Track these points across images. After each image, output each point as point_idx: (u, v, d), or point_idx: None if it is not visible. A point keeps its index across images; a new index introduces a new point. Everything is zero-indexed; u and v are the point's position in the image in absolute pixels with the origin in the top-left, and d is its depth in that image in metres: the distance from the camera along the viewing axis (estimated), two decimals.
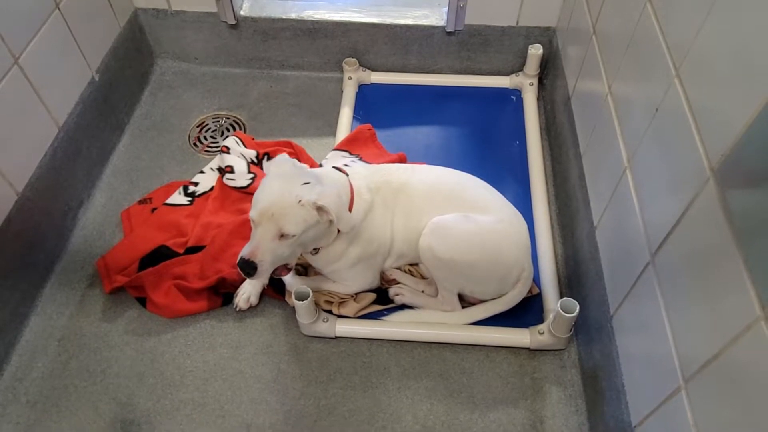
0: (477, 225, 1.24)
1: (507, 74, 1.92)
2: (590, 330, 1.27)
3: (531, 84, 1.86)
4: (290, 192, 1.13)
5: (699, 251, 0.84)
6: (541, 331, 1.31)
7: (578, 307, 1.23)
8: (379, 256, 1.33)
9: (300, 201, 1.12)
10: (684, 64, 0.92)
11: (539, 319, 1.36)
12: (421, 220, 1.27)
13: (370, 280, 1.37)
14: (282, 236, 1.13)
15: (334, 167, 1.30)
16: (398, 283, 1.40)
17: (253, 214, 1.14)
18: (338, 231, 1.24)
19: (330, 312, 1.36)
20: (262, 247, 1.13)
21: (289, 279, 1.38)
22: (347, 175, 1.27)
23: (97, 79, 1.66)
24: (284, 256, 1.16)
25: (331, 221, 1.17)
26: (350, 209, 1.22)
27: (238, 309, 1.38)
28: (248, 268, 1.13)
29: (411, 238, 1.29)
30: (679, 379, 0.86)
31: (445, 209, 1.26)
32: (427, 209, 1.27)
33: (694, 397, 0.82)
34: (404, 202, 1.29)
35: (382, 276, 1.41)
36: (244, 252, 1.14)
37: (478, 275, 1.28)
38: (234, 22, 1.86)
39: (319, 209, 1.14)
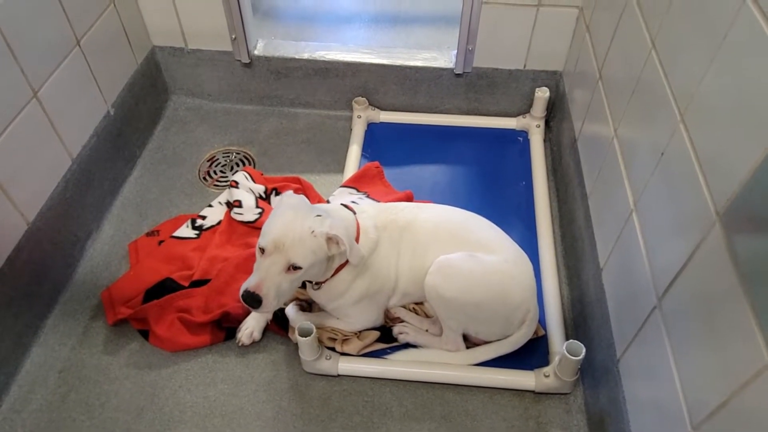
0: (482, 265, 1.24)
1: (514, 116, 1.95)
2: (596, 374, 1.25)
3: (538, 126, 1.89)
4: (302, 223, 1.13)
5: (705, 295, 0.83)
6: (547, 374, 1.29)
7: (584, 350, 1.21)
8: (383, 293, 1.32)
9: (313, 232, 1.12)
10: (689, 109, 0.93)
11: (544, 361, 1.34)
12: (426, 259, 1.27)
13: (374, 317, 1.36)
14: (289, 269, 1.13)
15: (341, 204, 1.31)
16: (402, 321, 1.39)
17: (263, 242, 1.13)
18: (340, 267, 1.24)
19: (333, 349, 1.35)
20: (268, 280, 1.12)
21: (292, 315, 1.38)
22: (354, 212, 1.28)
23: (112, 113, 1.70)
24: (287, 290, 1.16)
25: (330, 258, 1.19)
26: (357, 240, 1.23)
27: (240, 344, 1.37)
28: (252, 301, 1.12)
29: (416, 277, 1.29)
30: (688, 426, 0.84)
31: (450, 248, 1.26)
32: (433, 248, 1.27)
33: None
34: (410, 240, 1.29)
35: (387, 314, 1.40)
36: (249, 284, 1.13)
37: (482, 315, 1.27)
38: (248, 60, 1.91)
39: (330, 240, 1.15)
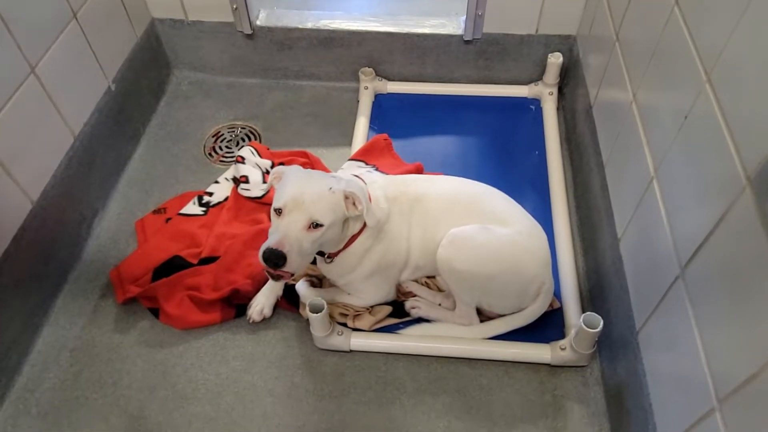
0: (496, 237, 1.21)
1: (526, 83, 1.89)
2: (614, 346, 1.23)
3: (551, 93, 1.83)
4: (320, 182, 1.12)
5: (734, 264, 0.79)
6: (563, 347, 1.27)
7: (602, 322, 1.19)
8: (394, 267, 1.30)
9: (330, 188, 1.11)
10: (716, 68, 0.88)
11: (560, 334, 1.32)
12: (438, 232, 1.24)
13: (386, 292, 1.33)
14: (310, 227, 1.10)
15: (353, 175, 1.28)
16: (415, 295, 1.37)
17: (280, 203, 1.10)
18: (352, 239, 1.21)
19: (345, 325, 1.33)
20: (290, 237, 1.08)
21: (303, 291, 1.36)
22: (365, 183, 1.25)
23: (113, 88, 1.66)
24: (308, 251, 1.12)
25: (345, 224, 1.17)
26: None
27: (251, 321, 1.36)
28: (276, 258, 1.06)
29: (428, 250, 1.26)
30: (713, 399, 0.81)
31: (463, 221, 1.23)
32: (445, 221, 1.24)
33: (730, 420, 0.78)
34: (421, 213, 1.26)
35: (399, 288, 1.38)
36: (270, 243, 1.07)
37: (496, 288, 1.24)
38: (250, 31, 1.86)
39: (347, 200, 1.14)
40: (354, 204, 1.14)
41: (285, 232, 1.08)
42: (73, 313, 1.41)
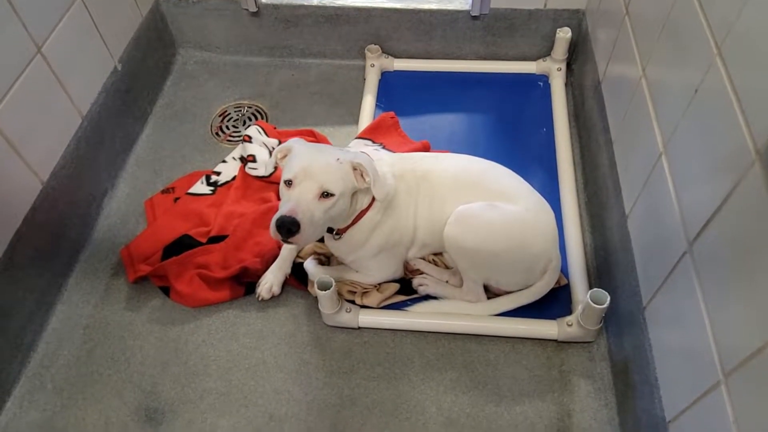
0: (503, 214, 1.21)
1: (534, 59, 1.87)
2: (621, 322, 1.23)
3: (559, 69, 1.81)
4: (328, 153, 1.14)
5: (742, 238, 0.79)
6: (570, 323, 1.27)
7: (609, 299, 1.19)
8: (402, 245, 1.30)
9: (338, 159, 1.12)
10: (726, 41, 0.87)
11: (567, 310, 1.32)
12: (445, 209, 1.24)
13: (393, 269, 1.34)
14: (321, 196, 1.11)
15: (361, 152, 1.29)
16: (422, 273, 1.38)
17: (289, 174, 1.11)
18: (360, 214, 1.22)
19: (353, 302, 1.34)
20: (303, 204, 1.08)
21: (311, 268, 1.37)
22: (372, 159, 1.25)
23: (119, 68, 1.66)
24: (320, 222, 1.12)
25: (354, 197, 1.19)
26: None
27: (260, 299, 1.37)
28: (290, 225, 1.06)
29: (435, 227, 1.27)
30: (719, 373, 0.82)
31: (470, 198, 1.23)
32: (452, 198, 1.24)
33: (735, 393, 0.78)
34: (428, 190, 1.26)
35: (406, 266, 1.38)
36: (282, 211, 1.08)
37: (503, 265, 1.24)
38: (255, 9, 1.84)
39: (355, 171, 1.15)
40: (362, 176, 1.15)
41: (297, 200, 1.09)
42: (85, 291, 1.43)
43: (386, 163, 1.27)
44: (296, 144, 1.18)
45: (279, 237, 1.10)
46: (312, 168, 1.10)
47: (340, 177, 1.12)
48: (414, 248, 1.33)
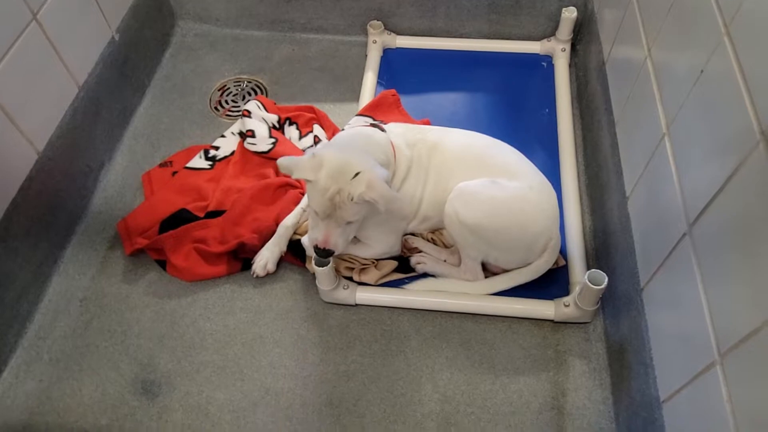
0: (504, 191, 1.20)
1: (538, 39, 1.85)
2: (618, 303, 1.24)
3: (563, 49, 1.79)
4: (342, 190, 1.12)
5: (742, 220, 0.79)
6: (567, 304, 1.28)
7: (606, 280, 1.19)
8: (404, 219, 1.31)
9: (352, 199, 1.12)
10: (735, 20, 0.86)
11: (565, 291, 1.32)
12: (449, 183, 1.25)
13: (392, 243, 1.34)
14: (348, 222, 1.18)
15: (372, 124, 1.29)
16: (420, 251, 1.38)
17: (314, 207, 1.17)
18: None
19: (350, 279, 1.34)
20: (333, 236, 1.17)
21: (309, 244, 1.36)
22: (385, 131, 1.27)
23: (116, 38, 1.63)
24: (351, 234, 1.22)
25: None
26: (394, 168, 1.24)
27: (255, 275, 1.37)
28: (326, 254, 1.20)
29: (437, 201, 1.27)
30: (714, 353, 0.82)
31: (474, 173, 1.23)
32: (458, 171, 1.25)
33: (730, 372, 0.79)
34: (437, 161, 1.28)
35: (404, 244, 1.38)
36: (318, 239, 1.18)
37: (503, 242, 1.24)
38: None
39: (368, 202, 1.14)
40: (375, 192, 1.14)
41: (327, 231, 1.17)
42: (82, 263, 1.43)
43: (399, 134, 1.28)
44: (314, 175, 1.14)
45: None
46: (329, 210, 1.14)
47: (356, 211, 1.15)
48: (415, 221, 1.33)
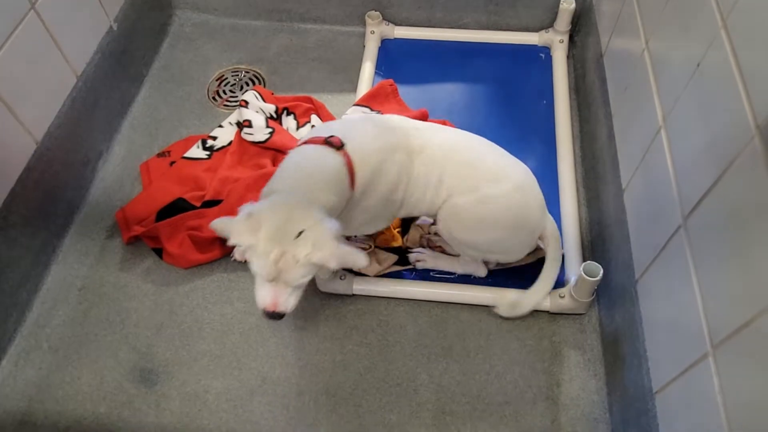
0: (492, 205, 1.17)
1: (536, 30, 1.84)
2: (613, 295, 1.24)
3: (561, 41, 1.78)
4: (286, 254, 0.96)
5: (736, 213, 0.79)
6: (562, 295, 1.28)
7: (602, 271, 1.20)
8: (382, 218, 1.24)
9: (298, 262, 0.96)
10: (732, 13, 0.86)
11: (560, 282, 1.33)
12: (438, 188, 1.18)
13: (379, 227, 1.28)
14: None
15: (327, 141, 1.09)
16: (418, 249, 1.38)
17: (256, 271, 1.01)
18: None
19: (349, 270, 1.35)
20: (281, 298, 1.01)
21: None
22: (342, 147, 1.08)
23: (115, 28, 1.63)
24: (301, 289, 1.04)
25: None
26: (353, 187, 1.09)
27: (233, 259, 1.35)
28: (277, 317, 1.03)
29: (424, 203, 1.20)
30: (707, 345, 0.83)
31: (458, 179, 1.17)
32: (444, 175, 1.17)
33: (722, 364, 0.80)
34: (422, 166, 1.17)
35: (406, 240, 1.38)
36: (265, 304, 1.01)
37: (500, 248, 1.25)
38: None
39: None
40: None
41: (274, 295, 1.00)
42: (80, 252, 1.44)
43: (370, 138, 1.13)
44: (252, 239, 0.97)
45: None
46: (275, 272, 0.98)
47: (302, 274, 0.98)
48: (401, 211, 1.25)
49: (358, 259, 0.99)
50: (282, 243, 0.95)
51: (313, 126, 1.61)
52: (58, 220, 1.44)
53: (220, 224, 0.99)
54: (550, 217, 1.28)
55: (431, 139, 1.20)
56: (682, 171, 0.98)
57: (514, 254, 1.28)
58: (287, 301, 1.01)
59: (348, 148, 1.09)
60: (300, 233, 0.96)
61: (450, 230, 1.21)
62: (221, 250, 1.39)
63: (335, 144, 1.08)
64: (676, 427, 0.92)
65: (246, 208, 0.98)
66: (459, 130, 1.29)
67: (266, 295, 1.01)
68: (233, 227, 0.98)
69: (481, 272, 1.33)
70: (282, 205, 0.99)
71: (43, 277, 1.39)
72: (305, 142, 1.12)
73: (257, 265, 0.98)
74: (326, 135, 1.10)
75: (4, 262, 1.27)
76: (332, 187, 1.05)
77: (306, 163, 1.08)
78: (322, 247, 0.96)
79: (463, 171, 1.19)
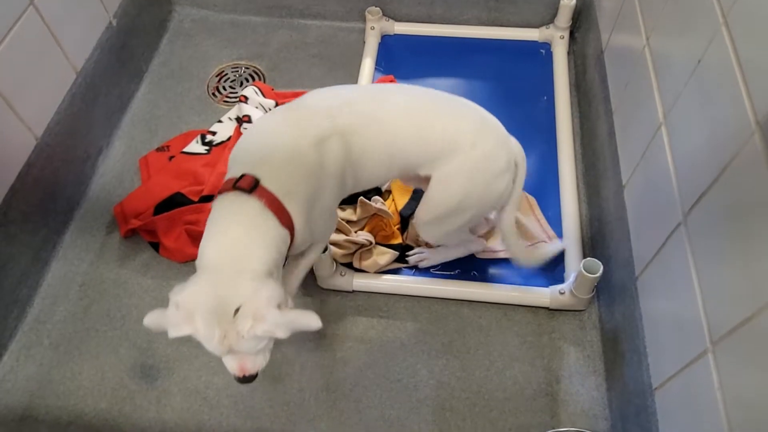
0: (456, 181, 1.08)
1: (537, 26, 1.84)
2: (613, 291, 1.25)
3: (562, 37, 1.78)
4: (229, 330, 0.86)
5: (736, 210, 0.79)
6: (562, 291, 1.29)
7: (602, 268, 1.20)
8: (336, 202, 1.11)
9: (243, 338, 0.86)
10: (733, 10, 0.86)
11: (560, 279, 1.33)
12: (378, 163, 1.06)
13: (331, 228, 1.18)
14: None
15: (236, 186, 0.93)
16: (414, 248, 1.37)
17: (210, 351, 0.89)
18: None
19: (349, 265, 1.35)
20: (249, 361, 0.91)
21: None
22: (257, 185, 0.93)
23: (114, 24, 1.62)
24: (267, 352, 0.93)
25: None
26: (289, 227, 0.95)
27: None
28: (250, 380, 0.93)
29: (374, 177, 1.10)
30: (707, 341, 0.83)
31: (408, 155, 1.07)
32: (389, 152, 1.07)
33: (722, 360, 0.80)
34: (358, 145, 1.03)
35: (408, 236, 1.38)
36: (233, 371, 0.91)
37: (481, 212, 1.18)
38: None
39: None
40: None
41: (240, 363, 0.90)
42: (80, 249, 1.44)
43: (287, 147, 0.97)
44: (190, 328, 0.86)
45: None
46: (226, 351, 0.87)
47: (254, 344, 0.87)
48: (358, 188, 1.13)
49: (311, 321, 0.86)
50: (221, 325, 0.84)
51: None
52: (58, 217, 1.44)
53: (154, 319, 0.87)
54: (513, 140, 1.15)
55: (367, 114, 1.05)
56: (683, 168, 0.98)
57: (491, 203, 1.16)
58: (254, 363, 0.91)
59: (264, 180, 0.92)
60: (237, 310, 0.84)
61: (427, 235, 1.21)
62: None
63: (245, 187, 0.91)
64: (676, 423, 0.93)
65: (173, 297, 0.86)
66: (410, 97, 1.12)
67: (232, 365, 0.91)
68: (167, 321, 0.86)
69: (478, 246, 1.31)
70: (208, 287, 0.86)
71: (44, 273, 1.39)
72: (219, 191, 0.97)
73: (206, 347, 0.87)
74: (235, 172, 0.95)
75: (4, 259, 1.27)
76: (260, 243, 0.91)
77: (224, 224, 0.93)
78: (263, 319, 0.85)
79: (413, 149, 1.08)
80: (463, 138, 1.08)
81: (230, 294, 0.85)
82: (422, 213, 1.15)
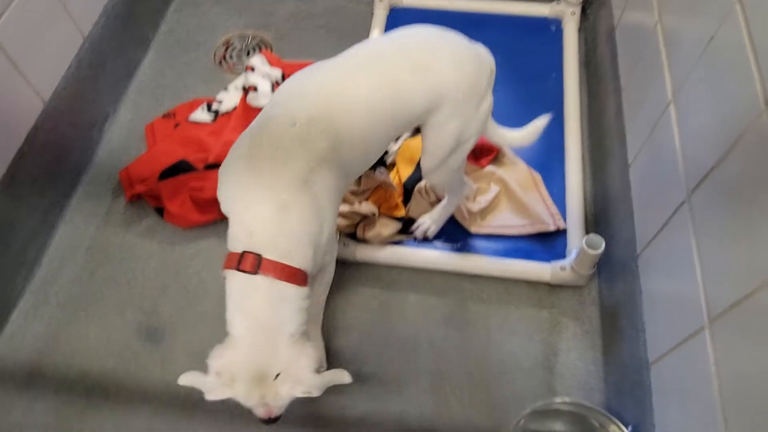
0: (455, 131, 1.06)
1: (548, 2, 1.81)
2: (614, 268, 1.26)
3: (573, 13, 1.76)
4: (266, 394, 0.90)
5: (742, 189, 0.80)
6: (563, 267, 1.30)
7: (604, 244, 1.21)
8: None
9: (282, 398, 0.90)
10: None
11: (562, 254, 1.34)
12: (366, 150, 1.04)
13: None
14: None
15: (239, 268, 0.91)
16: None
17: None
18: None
19: (353, 236, 1.36)
20: (275, 409, 0.92)
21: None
22: (260, 263, 0.90)
23: None
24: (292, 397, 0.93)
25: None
26: (305, 283, 0.94)
27: None
28: (274, 421, 0.95)
29: (363, 163, 1.07)
30: (704, 318, 0.85)
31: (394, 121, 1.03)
32: (378, 126, 1.02)
33: (718, 337, 0.81)
34: (346, 129, 0.98)
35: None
36: (259, 415, 0.93)
37: (478, 136, 1.13)
38: None
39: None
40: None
41: (267, 410, 0.92)
42: (87, 213, 1.45)
43: (278, 199, 0.91)
44: (231, 392, 0.89)
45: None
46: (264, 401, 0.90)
47: (284, 403, 0.91)
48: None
49: (344, 379, 0.92)
50: (260, 388, 0.88)
51: None
52: (65, 181, 1.45)
53: (190, 381, 0.90)
54: (479, 48, 1.15)
55: (338, 101, 1.00)
56: (689, 146, 0.98)
57: (483, 123, 1.13)
58: (281, 409, 0.93)
59: (266, 252, 0.90)
60: (277, 376, 0.88)
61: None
62: (219, 212, 1.39)
63: (250, 270, 0.89)
64: (669, 396, 0.95)
65: (212, 364, 0.89)
66: (365, 70, 1.07)
67: (260, 412, 0.92)
68: (206, 386, 0.89)
69: (469, 188, 1.30)
70: (248, 354, 0.89)
71: (51, 236, 1.41)
72: (225, 265, 0.95)
73: (242, 403, 0.91)
74: (236, 249, 0.93)
75: (12, 220, 1.28)
76: (285, 311, 0.91)
77: (245, 305, 0.92)
78: (303, 382, 0.89)
79: (395, 123, 1.04)
80: (444, 88, 1.04)
81: (270, 362, 0.88)
82: (426, 162, 1.13)
